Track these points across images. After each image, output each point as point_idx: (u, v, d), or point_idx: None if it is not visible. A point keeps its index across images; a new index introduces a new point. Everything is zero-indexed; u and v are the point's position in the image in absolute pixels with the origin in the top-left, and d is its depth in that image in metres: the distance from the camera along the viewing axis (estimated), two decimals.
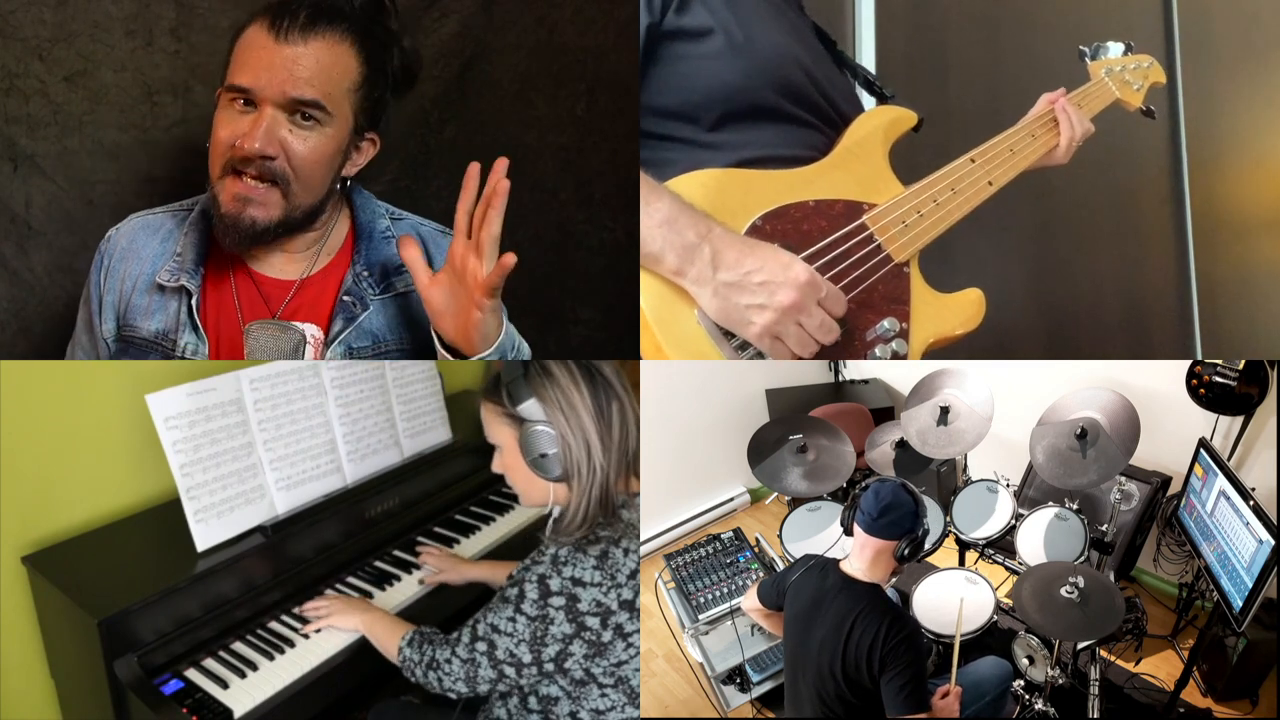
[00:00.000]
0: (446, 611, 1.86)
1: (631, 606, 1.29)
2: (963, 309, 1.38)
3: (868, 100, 1.66)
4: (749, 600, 1.90)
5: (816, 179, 1.35)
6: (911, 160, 1.46)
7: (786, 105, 1.36)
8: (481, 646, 1.32)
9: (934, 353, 1.36)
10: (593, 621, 1.28)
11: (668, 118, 1.32)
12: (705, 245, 1.19)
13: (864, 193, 1.36)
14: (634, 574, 1.29)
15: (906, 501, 1.61)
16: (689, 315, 1.23)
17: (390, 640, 1.50)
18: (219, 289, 1.50)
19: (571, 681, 1.33)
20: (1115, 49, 1.76)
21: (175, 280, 1.48)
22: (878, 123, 1.45)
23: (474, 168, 1.34)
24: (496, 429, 1.39)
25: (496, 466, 1.42)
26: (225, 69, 1.45)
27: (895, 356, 1.28)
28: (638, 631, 1.31)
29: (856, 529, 1.64)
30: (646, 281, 1.23)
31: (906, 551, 1.61)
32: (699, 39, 1.30)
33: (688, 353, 1.21)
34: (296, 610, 1.69)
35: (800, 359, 1.23)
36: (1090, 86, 1.70)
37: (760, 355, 1.23)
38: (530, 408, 1.33)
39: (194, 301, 1.47)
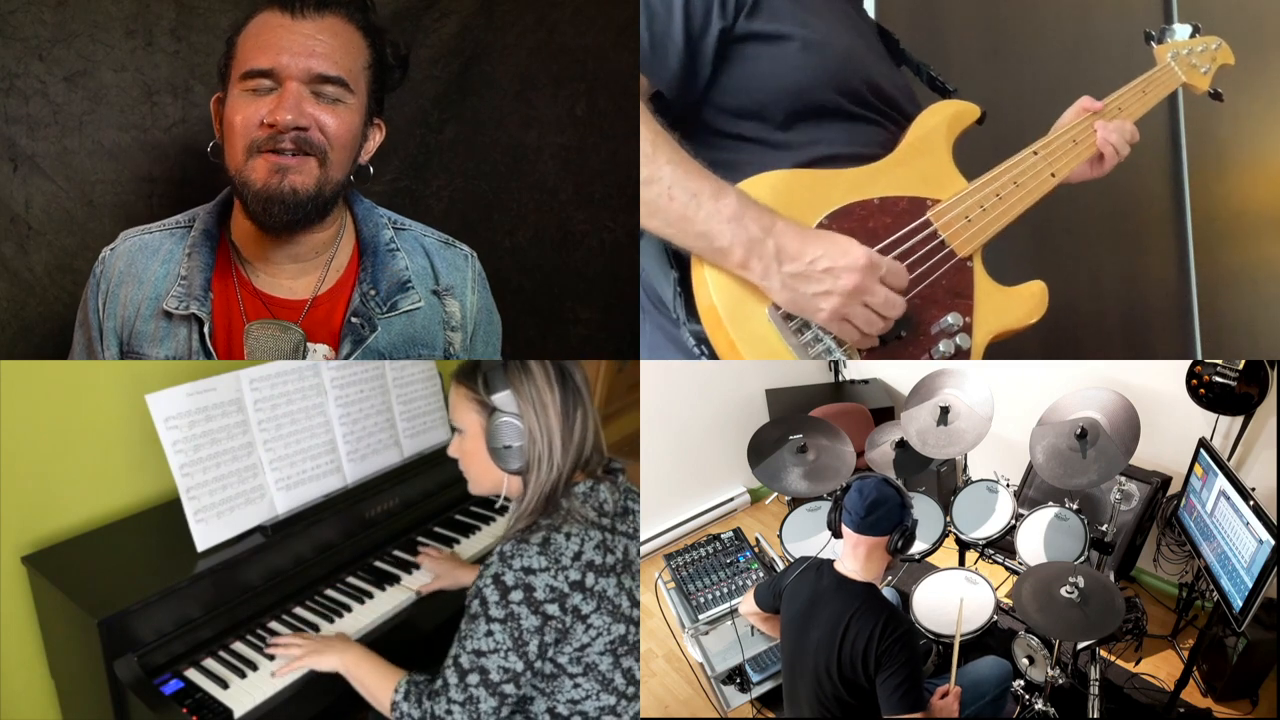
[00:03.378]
0: (445, 613, 1.86)
1: (581, 586, 1.30)
2: (1025, 302, 1.40)
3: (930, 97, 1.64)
4: (746, 605, 1.90)
5: (881, 176, 1.37)
6: None
7: (848, 105, 1.38)
8: (474, 679, 1.29)
9: (997, 345, 1.38)
10: (552, 609, 1.28)
11: (740, 117, 1.35)
12: (769, 239, 1.23)
13: (928, 188, 1.38)
14: (578, 555, 1.30)
15: (891, 495, 1.61)
16: (760, 314, 1.26)
17: (381, 690, 1.41)
18: (227, 312, 1.49)
19: (542, 678, 1.34)
20: (1182, 31, 1.73)
21: (184, 308, 1.46)
22: (941, 118, 1.46)
23: None
24: (464, 413, 1.41)
25: (454, 450, 1.45)
26: (227, 65, 1.44)
27: (959, 351, 1.31)
28: (595, 612, 1.31)
29: (845, 530, 1.64)
30: (717, 279, 1.25)
31: (899, 544, 1.61)
32: (772, 42, 1.33)
33: (759, 350, 1.25)
34: (268, 649, 1.59)
35: (871, 341, 1.27)
36: (1155, 72, 1.68)
37: (828, 354, 1.27)
38: (504, 399, 1.36)
39: (206, 329, 1.46)
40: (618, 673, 1.36)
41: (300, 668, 1.54)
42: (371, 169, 1.54)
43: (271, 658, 1.58)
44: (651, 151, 1.22)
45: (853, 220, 1.31)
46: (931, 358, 1.30)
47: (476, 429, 1.40)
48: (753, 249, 1.22)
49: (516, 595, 1.27)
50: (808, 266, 1.23)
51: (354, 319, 1.50)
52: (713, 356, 1.27)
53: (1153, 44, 1.74)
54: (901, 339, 1.29)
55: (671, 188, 1.21)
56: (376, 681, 1.44)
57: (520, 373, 1.36)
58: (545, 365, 1.38)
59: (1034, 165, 1.46)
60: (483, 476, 1.43)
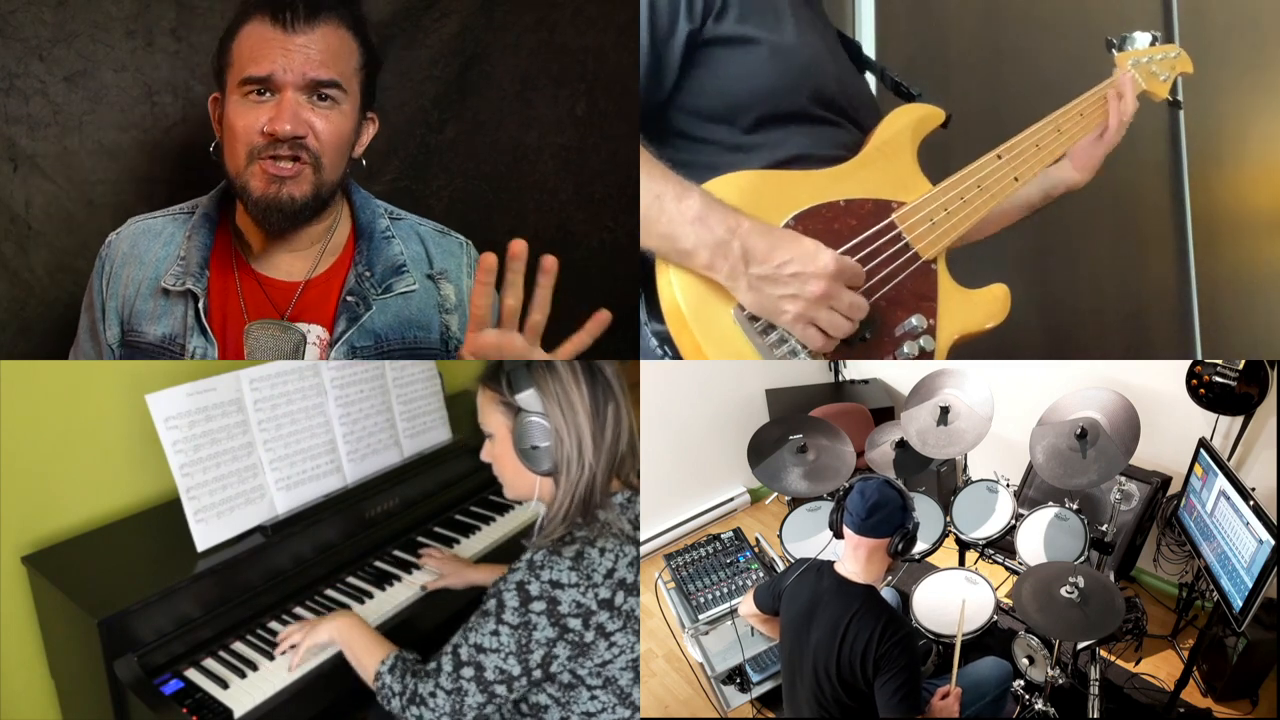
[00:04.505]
0: (445, 613, 1.86)
1: (610, 605, 1.28)
2: (988, 304, 1.41)
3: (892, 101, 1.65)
4: (746, 606, 1.90)
5: (846, 178, 1.37)
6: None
7: (815, 109, 1.39)
8: (468, 672, 1.28)
9: (960, 349, 1.38)
10: (574, 623, 1.26)
11: (707, 120, 1.35)
12: (735, 240, 1.23)
13: (893, 191, 1.39)
14: (610, 573, 1.28)
15: (894, 498, 1.61)
16: (725, 313, 1.26)
17: (369, 659, 1.41)
18: (224, 292, 1.51)
19: (559, 687, 1.32)
20: (1142, 39, 1.74)
21: (181, 284, 1.49)
22: (906, 121, 1.46)
23: (489, 259, 1.30)
24: (491, 416, 1.38)
25: (485, 455, 1.42)
26: (222, 67, 1.46)
27: (923, 353, 1.31)
28: (621, 630, 1.30)
29: (847, 531, 1.64)
30: (683, 279, 1.26)
31: (900, 546, 1.61)
32: (741, 46, 1.33)
33: (724, 350, 1.25)
34: (277, 651, 1.58)
35: (834, 344, 1.27)
36: (1116, 78, 1.67)
37: (793, 355, 1.26)
38: (528, 398, 1.33)
39: (202, 305, 1.48)
40: (636, 687, 1.34)
41: (306, 651, 1.55)
42: (364, 162, 1.57)
43: (273, 657, 1.58)
44: None
45: (818, 221, 1.31)
46: (895, 359, 1.31)
47: (504, 431, 1.37)
48: (718, 250, 1.23)
49: (538, 606, 1.25)
50: (775, 270, 1.24)
51: (349, 297, 1.52)
52: (676, 357, 1.27)
53: (1114, 51, 1.75)
54: (866, 341, 1.30)
55: None
56: (366, 649, 1.43)
57: (544, 370, 1.33)
58: (572, 362, 1.34)
59: (998, 169, 1.47)
60: (515, 480, 1.40)
